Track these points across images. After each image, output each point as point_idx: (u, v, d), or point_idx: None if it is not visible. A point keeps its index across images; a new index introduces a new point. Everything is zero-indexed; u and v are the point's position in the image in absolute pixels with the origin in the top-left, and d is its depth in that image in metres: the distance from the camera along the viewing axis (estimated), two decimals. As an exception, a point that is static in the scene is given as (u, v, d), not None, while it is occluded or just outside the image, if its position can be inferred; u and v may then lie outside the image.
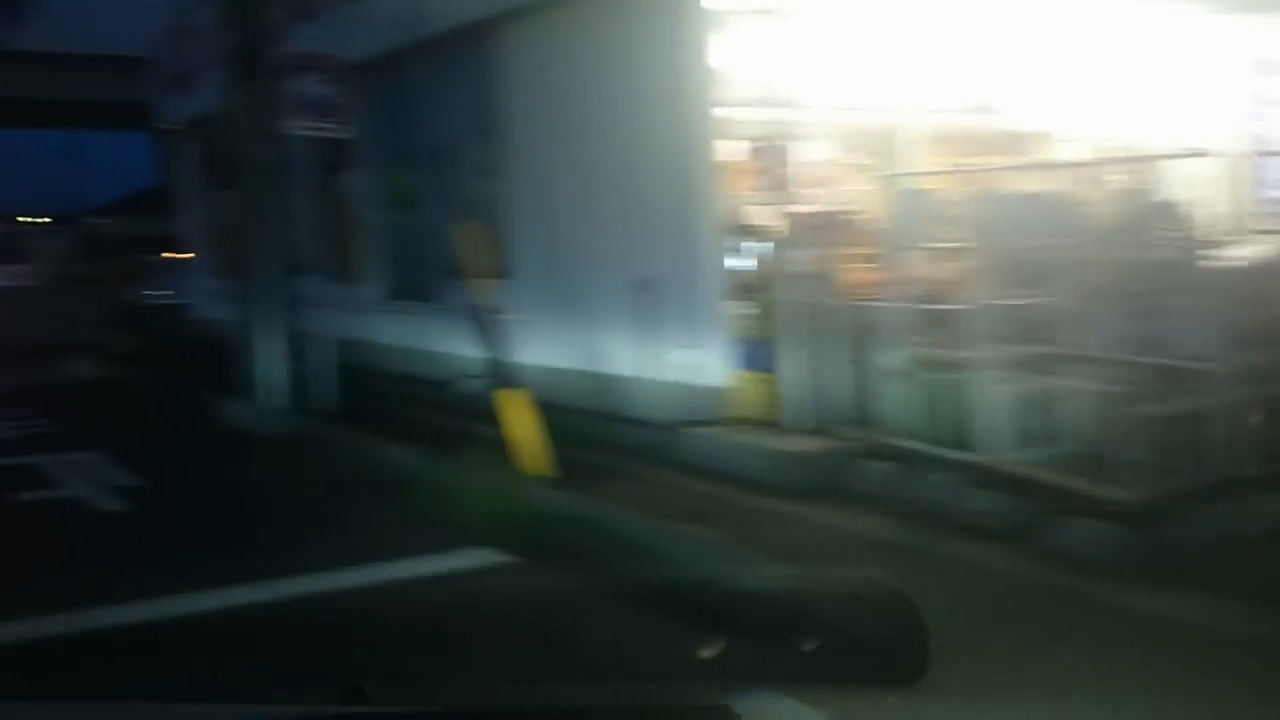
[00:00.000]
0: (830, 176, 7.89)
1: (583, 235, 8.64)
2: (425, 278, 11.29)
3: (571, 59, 8.71)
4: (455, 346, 10.24)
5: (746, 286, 7.40)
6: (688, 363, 7.50)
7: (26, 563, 5.14)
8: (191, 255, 18.56)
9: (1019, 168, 7.51)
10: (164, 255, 38.45)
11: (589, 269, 8.52)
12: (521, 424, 5.73)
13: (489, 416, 7.51)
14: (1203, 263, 5.14)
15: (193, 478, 7.31)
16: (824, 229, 6.64)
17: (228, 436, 8.77)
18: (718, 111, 7.46)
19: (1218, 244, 5.52)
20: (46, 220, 74.08)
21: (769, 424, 6.62)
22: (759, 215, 7.72)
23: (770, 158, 7.75)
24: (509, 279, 8.71)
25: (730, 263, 7.49)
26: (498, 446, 6.30)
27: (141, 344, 13.85)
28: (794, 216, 6.96)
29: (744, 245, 7.50)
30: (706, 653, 2.46)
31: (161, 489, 6.83)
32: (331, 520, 5.89)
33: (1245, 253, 5.86)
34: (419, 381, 10.13)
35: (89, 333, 19.33)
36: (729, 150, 7.62)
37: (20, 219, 74.87)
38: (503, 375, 5.80)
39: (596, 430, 6.00)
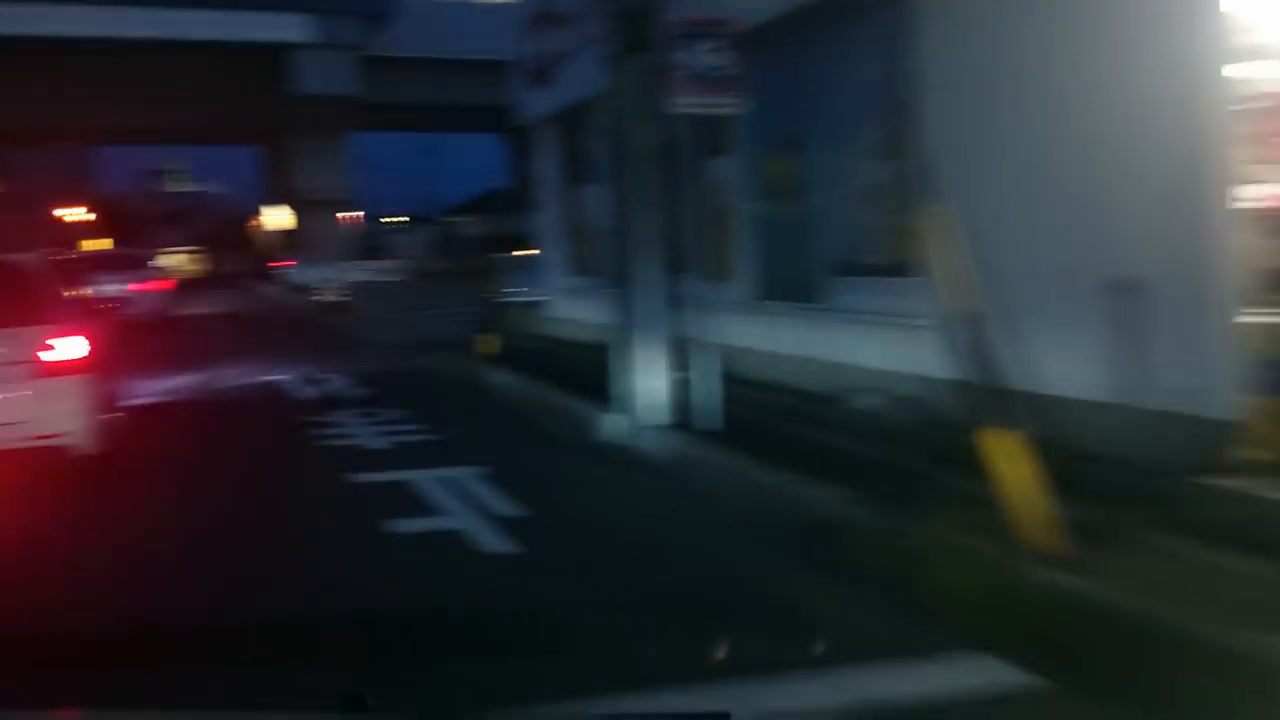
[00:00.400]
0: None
1: (1025, 226, 7.05)
2: (807, 275, 10.03)
3: (1012, 11, 7.14)
4: (844, 355, 8.91)
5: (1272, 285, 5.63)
6: (1184, 386, 5.81)
7: (421, 630, 4.22)
8: (542, 252, 18.32)
9: None
10: (517, 253, 39.75)
11: (1033, 267, 6.92)
12: (1016, 476, 4.29)
13: (920, 448, 6.12)
14: None
15: (579, 511, 6.37)
16: None
17: (604, 454, 7.86)
18: (1228, 66, 5.71)
19: None
20: (405, 219, 79.75)
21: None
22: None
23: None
24: (916, 277, 7.26)
25: (1240, 257, 5.73)
26: (955, 495, 4.89)
27: (503, 343, 13.45)
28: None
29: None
30: None
31: (549, 525, 5.90)
32: (755, 586, 4.70)
33: None
34: (799, 395, 8.88)
35: (451, 330, 19.71)
36: (1242, 114, 5.83)
37: (381, 219, 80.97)
38: (988, 404, 4.38)
39: (1060, 471, 4.53)
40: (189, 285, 37.07)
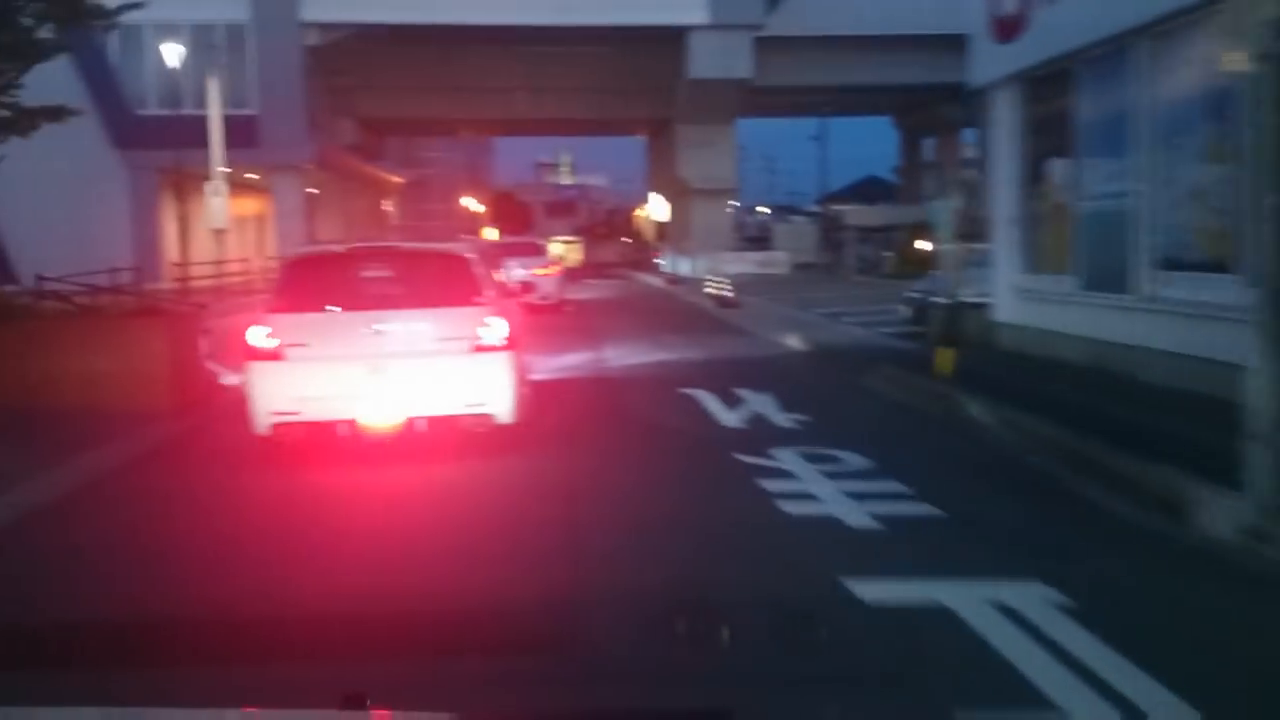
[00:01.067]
0: None
1: None
2: None
3: None
4: None
5: None
6: None
7: None
8: (989, 245, 15.16)
9: None
10: (921, 245, 36.46)
11: None
12: None
13: None
14: None
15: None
16: None
17: (1257, 576, 4.87)
18: None
19: None
20: (784, 208, 77.88)
21: None
22: None
23: None
24: None
25: None
26: None
27: (956, 359, 10.59)
28: None
29: None
30: None
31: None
32: None
33: None
34: None
35: (861, 335, 17.03)
36: None
37: (759, 208, 79.61)
38: None
39: None
40: (573, 273, 36.73)
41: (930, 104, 45.17)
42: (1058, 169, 12.92)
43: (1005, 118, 13.88)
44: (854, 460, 7.35)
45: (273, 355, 7.90)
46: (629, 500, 6.63)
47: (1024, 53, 12.94)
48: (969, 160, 42.82)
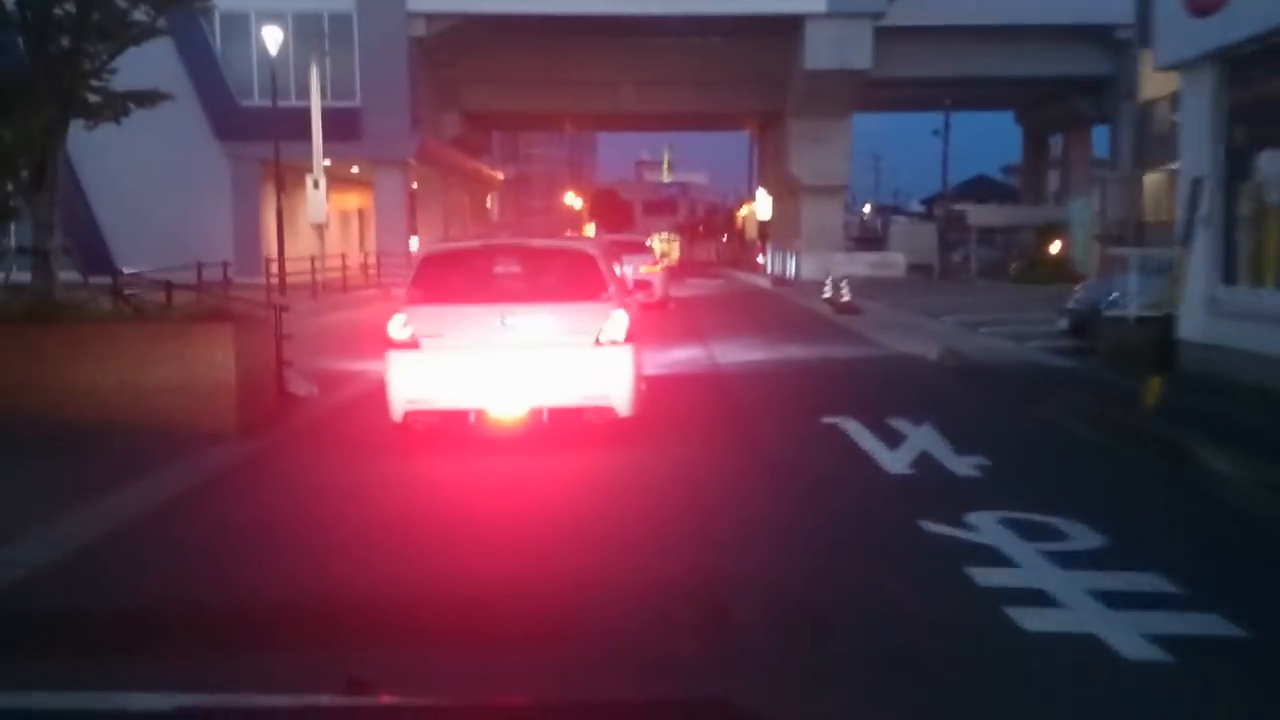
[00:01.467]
0: None
1: None
2: None
3: None
4: None
5: None
6: None
7: None
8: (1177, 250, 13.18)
9: None
10: (1055, 248, 34.10)
11: None
12: None
13: None
14: None
15: None
16: None
17: None
18: None
19: None
20: (885, 206, 75.40)
21: None
22: None
23: None
24: None
25: None
26: None
27: (1160, 388, 8.77)
28: None
29: None
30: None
31: None
32: None
33: None
34: None
35: (1009, 349, 15.15)
36: None
37: (871, 205, 77.17)
38: None
39: None
40: (672, 272, 35.32)
41: (1059, 98, 42.59)
42: (1269, 162, 10.94)
43: (1199, 104, 11.89)
44: (1080, 534, 5.62)
45: (409, 345, 8.22)
46: (792, 587, 5.02)
47: (1229, 27, 10.98)
48: (1101, 160, 40.36)
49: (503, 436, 8.23)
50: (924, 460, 7.70)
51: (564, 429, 8.16)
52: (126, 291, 15.21)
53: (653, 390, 9.50)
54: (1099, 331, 13.11)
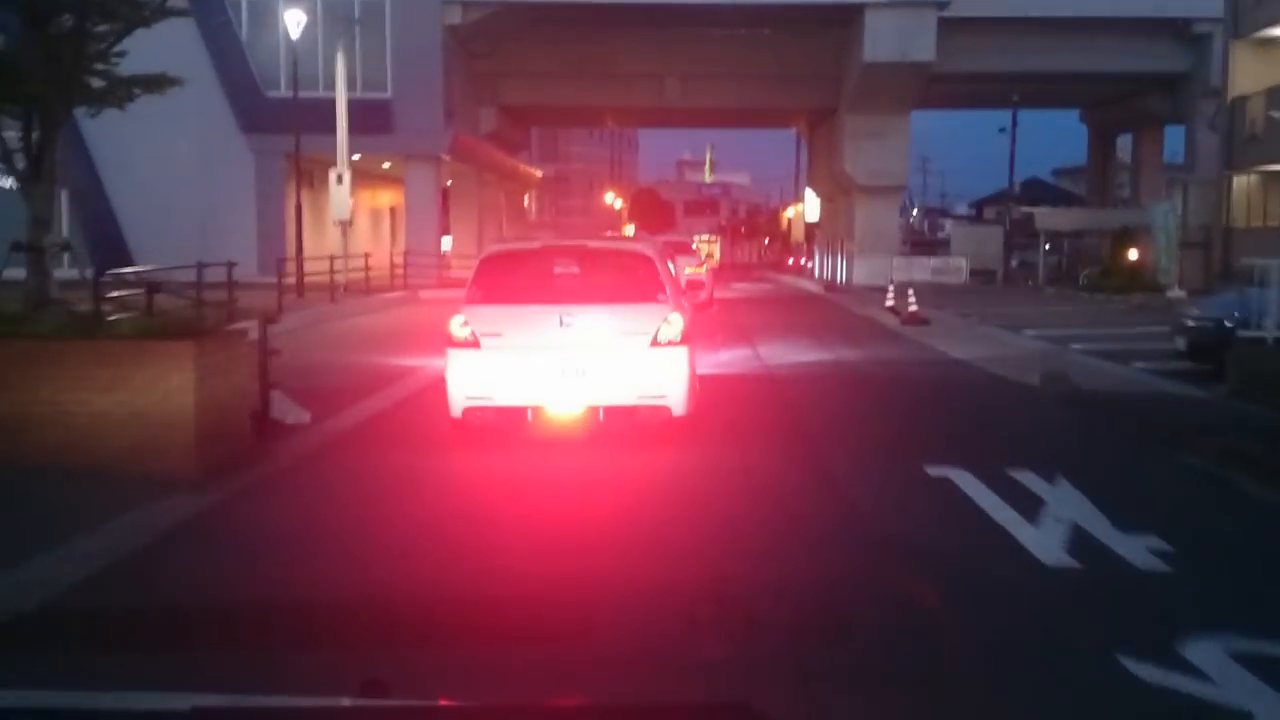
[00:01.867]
0: None
1: None
2: None
3: None
4: None
5: None
6: None
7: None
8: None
9: None
10: (1132, 253, 31.91)
11: None
12: None
13: None
14: None
15: None
16: None
17: None
18: None
19: None
20: (933, 209, 73.01)
21: None
22: None
23: None
24: None
25: None
26: None
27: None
28: None
29: None
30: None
31: None
32: None
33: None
34: None
35: (1122, 373, 13.16)
36: None
37: (930, 207, 74.79)
38: None
39: None
40: (715, 273, 33.63)
41: (1130, 96, 40.29)
42: None
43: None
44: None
45: (469, 343, 8.37)
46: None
47: None
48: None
49: (559, 435, 8.45)
50: (1081, 541, 5.77)
51: (619, 427, 8.35)
52: (113, 294, 13.62)
53: (709, 399, 9.66)
54: (1232, 355, 11.11)
